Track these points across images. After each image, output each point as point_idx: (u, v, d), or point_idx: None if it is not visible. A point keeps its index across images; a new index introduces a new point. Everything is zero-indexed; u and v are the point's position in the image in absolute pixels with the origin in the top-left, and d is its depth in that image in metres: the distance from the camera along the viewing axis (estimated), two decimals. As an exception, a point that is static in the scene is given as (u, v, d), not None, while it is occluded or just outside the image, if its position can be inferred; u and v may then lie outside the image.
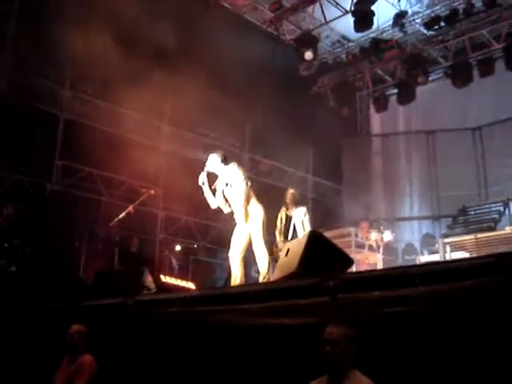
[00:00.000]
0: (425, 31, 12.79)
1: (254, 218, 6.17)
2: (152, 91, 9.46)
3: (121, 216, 9.01)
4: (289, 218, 7.70)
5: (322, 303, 3.75)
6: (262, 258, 6.12)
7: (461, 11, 11.66)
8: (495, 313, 2.95)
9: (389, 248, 10.12)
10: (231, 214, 6.39)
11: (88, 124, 10.35)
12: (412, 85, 13.25)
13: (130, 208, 9.15)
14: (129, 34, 9.20)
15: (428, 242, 11.10)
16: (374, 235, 9.65)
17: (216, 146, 10.27)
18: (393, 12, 12.23)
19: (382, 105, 14.58)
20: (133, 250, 9.50)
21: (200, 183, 6.43)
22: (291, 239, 7.34)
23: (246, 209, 6.16)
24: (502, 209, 9.15)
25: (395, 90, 14.12)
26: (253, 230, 6.18)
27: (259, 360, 3.98)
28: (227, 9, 12.38)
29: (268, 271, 6.06)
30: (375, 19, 11.72)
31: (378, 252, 9.47)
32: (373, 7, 11.46)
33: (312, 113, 13.17)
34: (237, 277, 6.24)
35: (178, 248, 11.87)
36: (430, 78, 13.45)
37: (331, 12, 12.34)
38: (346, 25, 12.39)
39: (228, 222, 6.60)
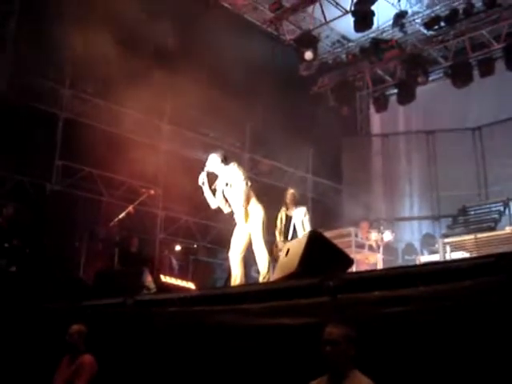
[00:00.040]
0: (425, 31, 12.79)
1: (254, 218, 6.17)
2: (152, 91, 9.46)
3: (121, 216, 9.02)
4: (289, 218, 7.70)
5: (321, 303, 3.75)
6: (262, 258, 6.12)
7: (461, 11, 11.65)
8: (495, 313, 2.94)
9: (389, 248, 10.12)
10: (231, 214, 6.39)
11: (88, 123, 10.35)
12: (412, 85, 13.25)
13: (130, 208, 9.15)
14: (129, 34, 9.21)
15: (428, 242, 11.10)
16: (374, 235, 9.65)
17: (216, 146, 10.27)
18: (393, 12, 12.23)
19: (381, 105, 14.58)
20: (133, 250, 9.50)
21: (200, 183, 6.43)
22: (291, 239, 7.34)
23: (245, 209, 6.16)
24: (502, 209, 9.15)
25: (395, 90, 14.12)
26: (253, 230, 6.18)
27: (259, 360, 3.98)
28: (227, 9, 12.38)
29: (268, 271, 6.06)
30: (375, 19, 11.72)
31: (378, 252, 9.47)
32: (373, 7, 11.45)
33: (312, 113, 13.17)
34: (237, 277, 6.24)
35: (177, 248, 11.86)
36: (430, 78, 13.44)
37: (331, 12, 12.34)
38: (346, 25, 12.39)
39: (228, 221, 6.60)
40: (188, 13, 10.41)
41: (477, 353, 2.95)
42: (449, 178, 12.88)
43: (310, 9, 12.43)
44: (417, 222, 13.79)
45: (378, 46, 12.79)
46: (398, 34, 12.82)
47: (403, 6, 12.21)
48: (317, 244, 4.77)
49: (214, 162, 6.41)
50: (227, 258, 6.52)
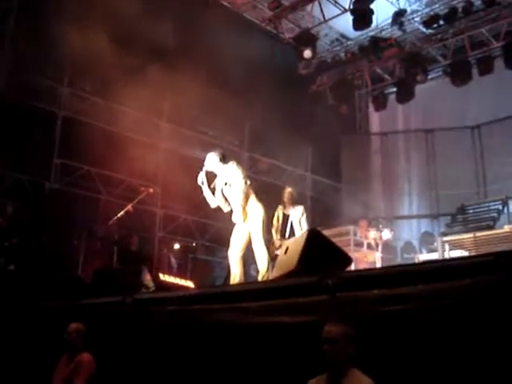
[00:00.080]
0: (424, 29, 12.79)
1: (253, 216, 6.17)
2: (151, 89, 9.45)
3: (119, 214, 9.02)
4: (286, 217, 7.68)
5: (320, 301, 3.75)
6: (261, 256, 6.12)
7: (460, 9, 11.65)
8: (494, 311, 2.94)
9: (388, 246, 10.12)
10: (231, 212, 6.38)
11: (86, 122, 10.33)
12: (411, 83, 13.24)
13: (129, 206, 9.15)
14: (128, 32, 9.20)
15: (427, 240, 11.10)
16: (372, 233, 9.65)
17: (215, 145, 10.28)
18: (392, 10, 12.22)
19: (380, 103, 14.58)
20: (133, 249, 9.50)
21: (199, 183, 6.42)
22: (288, 238, 7.34)
23: (244, 208, 6.15)
24: (500, 207, 9.15)
25: (394, 89, 14.12)
26: (252, 229, 6.18)
27: (258, 358, 3.98)
28: (226, 7, 12.38)
29: (267, 270, 6.05)
30: (374, 18, 11.70)
31: (377, 250, 9.47)
32: (372, 5, 11.43)
33: (311, 111, 13.17)
34: (236, 275, 6.24)
35: (176, 246, 11.86)
36: (429, 77, 13.44)
37: (330, 10, 12.34)
38: (345, 23, 12.38)
39: (227, 220, 6.59)
40: (187, 11, 10.40)
41: (476, 351, 2.95)
42: (448, 176, 12.88)
43: (308, 7, 12.43)
44: (416, 221, 13.80)
45: (376, 44, 12.78)
46: (397, 33, 12.82)
47: (402, 5, 12.20)
48: (316, 242, 4.77)
49: (212, 161, 6.41)
50: (226, 257, 6.52)
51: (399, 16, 12.22)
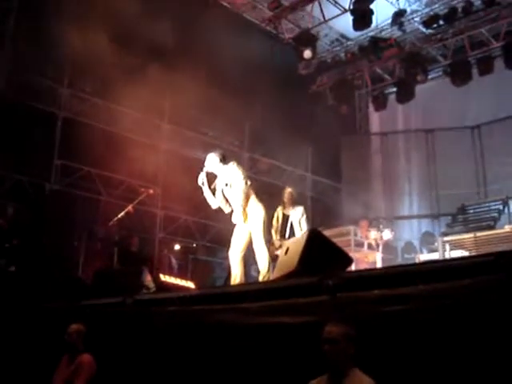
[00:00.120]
0: (424, 30, 12.79)
1: (254, 217, 6.16)
2: (151, 90, 9.45)
3: (120, 215, 9.02)
4: (285, 217, 7.67)
5: (321, 302, 3.75)
6: (262, 257, 6.11)
7: (460, 9, 11.65)
8: (494, 311, 2.94)
9: (388, 247, 10.11)
10: (231, 213, 6.37)
11: (86, 122, 10.33)
12: (411, 83, 13.24)
13: (129, 207, 9.15)
14: (128, 33, 9.20)
15: (427, 240, 11.10)
16: (373, 234, 9.65)
17: (215, 145, 10.29)
18: (392, 10, 12.22)
19: (381, 103, 14.58)
20: (133, 250, 9.49)
21: (200, 183, 6.40)
22: (288, 238, 7.33)
23: (244, 208, 6.15)
24: (501, 207, 9.14)
25: (394, 89, 14.12)
26: (253, 229, 6.17)
27: (259, 359, 3.98)
28: (226, 8, 12.38)
29: (268, 271, 6.04)
30: (374, 18, 11.69)
31: (378, 250, 9.47)
32: (372, 6, 11.43)
33: (311, 111, 13.17)
34: (236, 276, 6.23)
35: (177, 247, 11.86)
36: (429, 77, 13.44)
37: (330, 10, 12.34)
38: (345, 23, 12.38)
39: (227, 221, 6.59)
40: (187, 12, 10.40)
41: (476, 351, 2.95)
42: (448, 176, 12.88)
43: (308, 7, 12.43)
44: (416, 221, 13.80)
45: (376, 44, 12.78)
46: (396, 33, 12.82)
47: (402, 5, 12.20)
48: (316, 242, 4.77)
49: (212, 161, 6.39)
50: (227, 257, 6.52)
51: (399, 16, 12.22)
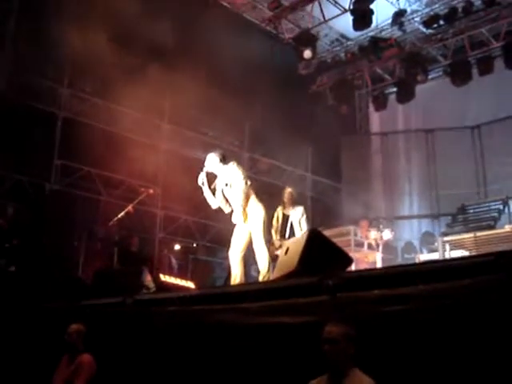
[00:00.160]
0: (424, 30, 12.78)
1: (254, 217, 6.15)
2: (151, 90, 9.45)
3: (120, 215, 9.01)
4: (285, 217, 7.67)
5: (321, 302, 3.75)
6: (262, 257, 6.11)
7: (460, 9, 11.65)
8: (494, 311, 2.94)
9: (388, 247, 10.11)
10: (232, 213, 6.37)
11: (86, 123, 10.33)
12: (411, 83, 13.24)
13: (129, 207, 9.14)
14: (128, 33, 9.21)
15: (427, 240, 11.10)
16: (373, 234, 9.65)
17: (215, 145, 10.29)
18: (392, 10, 12.22)
19: (381, 103, 14.58)
20: (133, 250, 9.49)
21: (200, 183, 6.40)
22: (288, 239, 7.34)
23: (244, 208, 6.14)
24: (501, 207, 9.15)
25: (394, 89, 14.12)
26: (253, 229, 6.16)
27: (259, 359, 3.98)
28: (226, 8, 12.38)
29: (268, 271, 6.04)
30: (374, 18, 11.69)
31: (378, 250, 9.47)
32: (372, 6, 11.43)
33: (311, 111, 13.17)
34: (237, 276, 6.23)
35: (177, 247, 11.86)
36: (430, 77, 13.44)
37: (330, 10, 12.34)
38: (345, 23, 12.37)
39: (227, 221, 6.58)
40: (187, 12, 10.40)
41: (476, 351, 2.95)
42: (448, 176, 12.89)
43: (308, 7, 12.42)
44: (416, 221, 13.80)
45: (376, 44, 12.78)
46: (397, 33, 12.82)
47: (402, 5, 12.20)
48: (316, 242, 4.77)
49: (212, 161, 6.39)
50: (227, 257, 6.51)
51: (399, 16, 12.22)
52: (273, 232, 7.63)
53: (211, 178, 6.46)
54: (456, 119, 13.23)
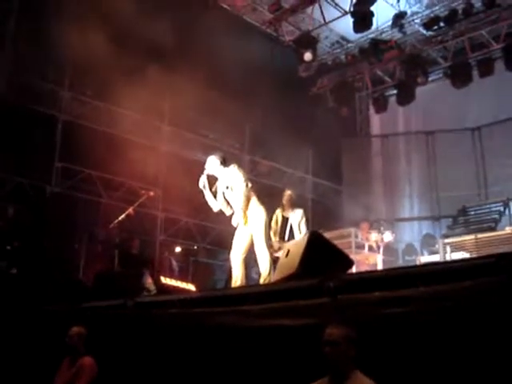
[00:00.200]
0: (424, 32, 12.78)
1: (256, 219, 6.14)
2: (151, 91, 9.46)
3: (120, 218, 9.01)
4: (285, 219, 7.67)
5: (322, 304, 3.75)
6: (263, 259, 6.10)
7: (460, 11, 11.65)
8: (495, 313, 2.94)
9: (389, 249, 10.10)
10: (233, 215, 6.36)
11: (87, 125, 10.33)
12: (411, 85, 13.25)
13: (130, 210, 9.14)
14: (128, 35, 9.20)
15: (428, 242, 11.09)
16: (374, 236, 9.64)
17: (215, 147, 10.29)
18: (392, 12, 12.22)
19: (381, 105, 14.59)
20: (134, 252, 9.49)
21: (201, 186, 6.39)
22: (287, 241, 7.34)
23: (245, 211, 6.14)
24: (502, 209, 9.16)
25: (395, 91, 14.12)
26: (255, 232, 6.16)
27: (260, 361, 3.98)
28: (226, 10, 12.39)
29: (269, 274, 6.02)
30: (374, 20, 11.70)
31: (378, 253, 9.46)
32: (372, 8, 11.44)
33: (311, 114, 13.17)
34: (237, 278, 6.22)
35: (178, 249, 11.86)
36: (430, 79, 13.44)
37: (330, 13, 12.34)
38: (346, 25, 12.38)
39: (227, 223, 6.58)
40: (187, 14, 10.42)
41: (477, 353, 2.95)
42: (448, 178, 12.89)
43: (309, 10, 12.42)
44: (417, 223, 13.80)
45: (377, 46, 12.78)
46: (397, 35, 12.83)
47: (402, 7, 12.21)
48: (317, 245, 4.77)
49: (213, 164, 6.38)
50: (227, 260, 6.52)
51: (399, 18, 12.22)
52: (272, 234, 7.63)
53: (212, 180, 6.45)
54: (456, 121, 13.23)
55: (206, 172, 6.38)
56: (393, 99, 14.31)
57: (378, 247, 9.56)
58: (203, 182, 6.37)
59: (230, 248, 6.33)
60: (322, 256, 4.71)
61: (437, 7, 12.05)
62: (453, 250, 8.32)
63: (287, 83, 12.42)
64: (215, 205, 6.43)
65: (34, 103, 9.72)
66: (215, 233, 11.66)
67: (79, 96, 10.63)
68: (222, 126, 11.78)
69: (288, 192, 7.87)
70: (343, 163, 14.43)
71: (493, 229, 8.47)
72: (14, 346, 6.10)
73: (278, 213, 7.70)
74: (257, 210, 6.18)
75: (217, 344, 4.35)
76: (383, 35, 12.93)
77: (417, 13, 12.40)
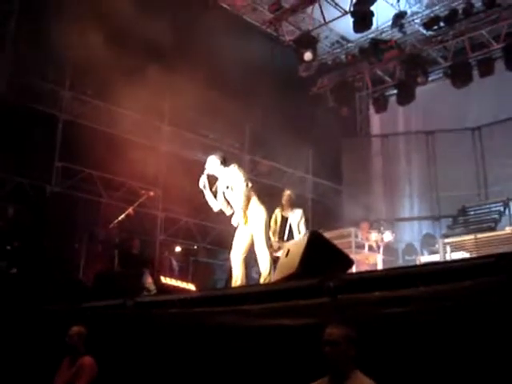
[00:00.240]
0: (424, 31, 12.79)
1: (256, 219, 6.14)
2: (151, 92, 9.46)
3: (121, 217, 9.01)
4: (284, 219, 7.67)
5: (322, 304, 3.75)
6: (263, 259, 6.09)
7: (460, 11, 11.65)
8: (495, 313, 2.94)
9: (389, 248, 10.11)
10: (233, 215, 6.36)
11: (87, 125, 10.34)
12: (411, 85, 13.25)
13: (130, 209, 9.14)
14: (128, 35, 9.21)
15: (428, 242, 11.10)
16: (374, 236, 9.64)
17: (215, 147, 10.29)
18: (392, 12, 12.22)
19: (381, 105, 14.59)
20: (134, 252, 9.50)
21: (201, 186, 6.38)
22: (287, 241, 7.34)
23: (245, 210, 6.14)
24: (502, 209, 9.16)
25: (395, 91, 14.13)
26: (255, 232, 6.15)
27: (260, 361, 3.98)
28: (226, 10, 12.39)
29: (269, 274, 6.02)
30: (374, 20, 11.70)
31: (378, 252, 9.46)
32: (372, 8, 11.44)
33: (311, 113, 13.17)
34: (238, 278, 6.21)
35: (178, 249, 11.86)
36: (430, 79, 13.44)
37: (330, 12, 12.34)
38: (346, 25, 12.38)
39: (228, 223, 6.58)
40: (187, 14, 10.42)
41: (477, 353, 2.95)
42: (448, 178, 12.89)
43: (309, 9, 12.42)
44: (417, 223, 13.80)
45: (377, 46, 12.78)
46: (397, 35, 12.83)
47: (402, 7, 12.21)
48: (317, 245, 4.77)
49: (213, 164, 6.37)
50: (227, 259, 6.52)
51: (399, 18, 12.22)
52: (271, 234, 7.62)
53: (212, 180, 6.45)
54: (456, 121, 13.23)
55: (206, 172, 6.37)
56: (393, 99, 14.31)
57: (378, 247, 9.57)
58: (203, 181, 6.37)
59: (230, 248, 6.33)
60: (322, 256, 4.71)
61: (437, 7, 12.05)
62: (453, 249, 8.33)
63: (287, 83, 12.42)
64: (215, 205, 6.43)
65: (34, 102, 9.72)
66: (215, 232, 11.66)
67: (79, 96, 10.63)
68: (221, 125, 11.78)
69: (287, 192, 7.86)
70: (343, 163, 14.44)
71: (493, 229, 8.48)
72: (14, 346, 6.10)
73: (278, 212, 7.69)
74: (257, 209, 6.18)
75: (217, 344, 4.35)
76: (383, 35, 12.93)
77: (417, 13, 12.40)
